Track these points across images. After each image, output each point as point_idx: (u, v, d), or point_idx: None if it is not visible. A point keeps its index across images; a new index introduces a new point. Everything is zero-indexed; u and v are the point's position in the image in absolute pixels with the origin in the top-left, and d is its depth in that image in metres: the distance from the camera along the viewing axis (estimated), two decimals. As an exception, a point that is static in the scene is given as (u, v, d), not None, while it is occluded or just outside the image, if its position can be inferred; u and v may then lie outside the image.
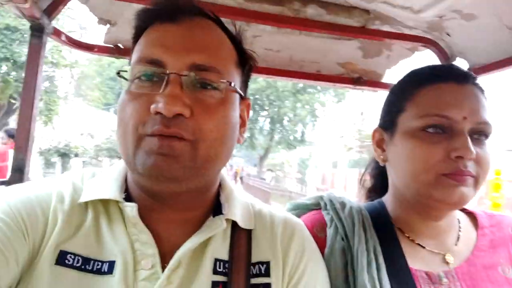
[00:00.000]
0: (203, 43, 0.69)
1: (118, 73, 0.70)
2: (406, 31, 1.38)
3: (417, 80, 0.92)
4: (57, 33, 1.17)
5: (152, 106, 0.63)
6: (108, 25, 1.26)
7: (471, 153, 0.80)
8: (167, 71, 0.65)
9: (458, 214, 0.98)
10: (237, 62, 0.75)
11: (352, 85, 1.62)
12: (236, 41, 0.77)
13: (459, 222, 0.97)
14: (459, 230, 0.95)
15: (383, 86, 1.64)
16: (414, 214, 0.92)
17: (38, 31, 1.08)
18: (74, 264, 0.65)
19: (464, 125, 0.82)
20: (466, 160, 0.80)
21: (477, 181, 0.83)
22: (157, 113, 0.63)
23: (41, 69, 1.13)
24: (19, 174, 1.10)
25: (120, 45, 1.32)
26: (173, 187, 0.67)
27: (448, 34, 1.35)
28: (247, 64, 0.79)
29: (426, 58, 1.44)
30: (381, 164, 0.98)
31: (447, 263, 0.89)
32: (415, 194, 0.88)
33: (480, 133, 0.84)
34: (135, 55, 0.70)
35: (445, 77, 0.88)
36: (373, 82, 1.63)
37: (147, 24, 0.71)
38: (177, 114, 0.63)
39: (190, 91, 0.65)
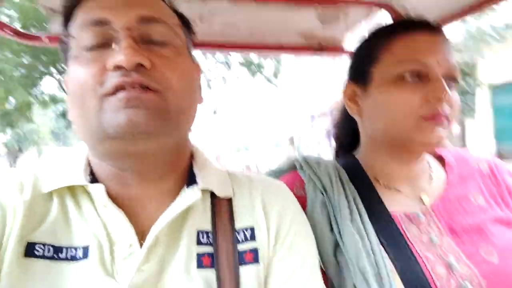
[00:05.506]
0: None
1: (62, 48, 0.67)
2: (360, -5, 1.39)
3: (390, 31, 0.96)
4: (0, 25, 1.09)
5: (110, 62, 0.60)
6: (54, 14, 1.19)
7: (447, 95, 0.85)
8: (116, 27, 0.62)
9: (427, 158, 1.04)
10: (180, 24, 0.74)
11: (314, 52, 1.63)
12: (174, 7, 0.75)
13: (429, 164, 1.02)
14: (430, 171, 1.01)
15: (344, 52, 1.66)
16: (390, 162, 0.97)
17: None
18: (45, 254, 0.62)
19: (439, 70, 0.87)
20: (443, 101, 0.85)
21: (450, 123, 0.88)
22: (116, 68, 0.60)
23: None
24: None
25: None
26: (149, 145, 0.64)
27: (401, -6, 1.38)
28: (189, 29, 0.77)
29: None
30: (355, 117, 1.02)
31: (423, 202, 0.94)
32: (394, 140, 0.93)
33: (450, 77, 0.89)
34: (76, 24, 0.66)
35: (418, 26, 0.93)
36: (334, 48, 1.64)
37: None
38: (138, 66, 0.61)
39: (144, 47, 0.63)
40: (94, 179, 0.70)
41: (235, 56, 11.80)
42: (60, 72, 9.62)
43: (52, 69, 9.70)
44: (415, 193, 0.96)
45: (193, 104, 0.72)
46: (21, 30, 1.18)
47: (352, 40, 1.65)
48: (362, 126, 1.03)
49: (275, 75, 12.64)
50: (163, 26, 0.66)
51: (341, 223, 0.87)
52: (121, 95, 0.60)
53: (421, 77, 0.88)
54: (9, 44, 9.15)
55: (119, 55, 0.60)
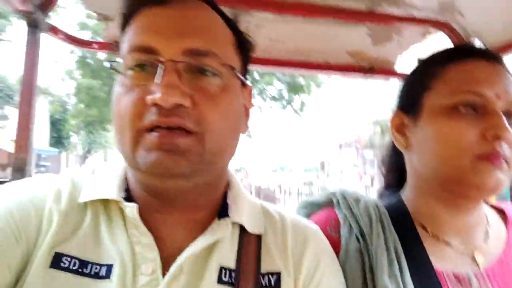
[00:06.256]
0: (197, 26, 0.64)
1: (110, 66, 0.66)
2: (416, 14, 1.31)
3: (445, 57, 0.86)
4: (53, 29, 1.15)
5: (148, 97, 0.58)
6: (106, 21, 1.23)
7: (508, 133, 0.73)
8: (161, 59, 0.60)
9: (485, 209, 0.89)
10: (235, 45, 0.70)
11: (363, 74, 1.55)
12: (231, 22, 0.71)
13: (487, 218, 0.88)
14: (488, 226, 0.86)
15: (396, 74, 1.57)
16: (440, 207, 0.84)
17: (33, 28, 1.06)
18: (70, 267, 0.61)
19: (498, 104, 0.76)
20: (503, 140, 0.74)
21: (510, 167, 0.75)
22: (155, 105, 0.58)
23: (37, 67, 1.10)
24: (20, 173, 1.08)
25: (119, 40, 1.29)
26: (180, 184, 0.63)
27: (461, 14, 1.28)
28: (245, 47, 0.73)
29: (439, 44, 1.37)
30: (403, 150, 0.90)
31: (476, 262, 0.80)
32: (445, 180, 0.80)
33: (511, 113, 0.77)
34: (125, 44, 0.65)
35: (475, 54, 0.82)
36: (385, 70, 1.56)
37: (135, 9, 0.67)
38: (177, 105, 0.58)
39: (189, 79, 0.61)
40: (128, 196, 0.69)
41: (269, 90, 14.84)
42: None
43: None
44: (468, 250, 0.83)
45: (234, 140, 0.69)
46: (73, 35, 1.24)
47: (406, 62, 1.56)
48: (409, 162, 0.90)
49: (301, 109, 15.68)
50: (212, 59, 0.63)
51: (377, 277, 0.76)
52: (156, 135, 0.59)
53: (478, 110, 0.77)
54: (99, 73, 12.81)
55: (158, 90, 0.58)
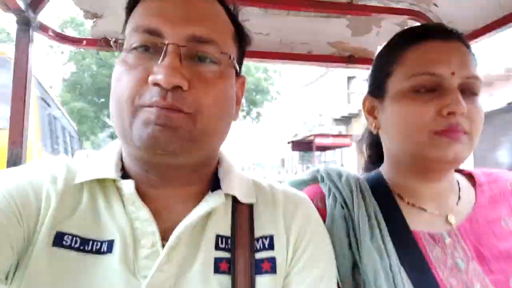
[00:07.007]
0: (202, 14, 0.68)
1: (115, 42, 0.69)
2: (393, 5, 1.37)
3: (402, 42, 0.91)
4: (43, 27, 1.16)
5: (150, 78, 0.62)
6: (94, 18, 1.26)
7: (462, 108, 0.78)
8: (166, 42, 0.63)
9: (456, 176, 0.97)
10: (234, 36, 0.75)
11: (344, 63, 1.62)
12: (232, 14, 0.76)
13: (458, 184, 0.96)
14: (459, 191, 0.94)
15: (375, 63, 1.64)
16: (412, 179, 0.92)
17: (24, 26, 1.08)
18: (73, 245, 0.64)
19: (453, 80, 0.81)
20: (458, 115, 0.79)
21: (470, 138, 0.81)
22: (155, 84, 0.62)
23: (30, 64, 1.12)
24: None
25: (108, 37, 1.31)
26: (171, 160, 0.66)
27: (435, 5, 1.35)
28: (243, 39, 0.78)
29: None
30: (374, 132, 0.98)
31: (450, 223, 0.88)
32: (410, 156, 0.88)
33: (469, 88, 0.83)
34: (130, 24, 0.68)
35: (429, 35, 0.87)
36: (365, 59, 1.63)
37: None
38: (175, 87, 0.62)
39: (189, 64, 0.64)
40: (124, 175, 0.72)
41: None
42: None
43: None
44: (442, 213, 0.90)
45: (225, 125, 0.73)
46: (63, 33, 1.26)
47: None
48: (382, 141, 0.99)
49: (257, 118, 21.81)
50: (213, 47, 0.67)
51: (360, 240, 0.83)
52: (154, 109, 0.62)
53: (435, 88, 0.83)
54: (85, 96, 17.84)
55: (160, 72, 0.61)
